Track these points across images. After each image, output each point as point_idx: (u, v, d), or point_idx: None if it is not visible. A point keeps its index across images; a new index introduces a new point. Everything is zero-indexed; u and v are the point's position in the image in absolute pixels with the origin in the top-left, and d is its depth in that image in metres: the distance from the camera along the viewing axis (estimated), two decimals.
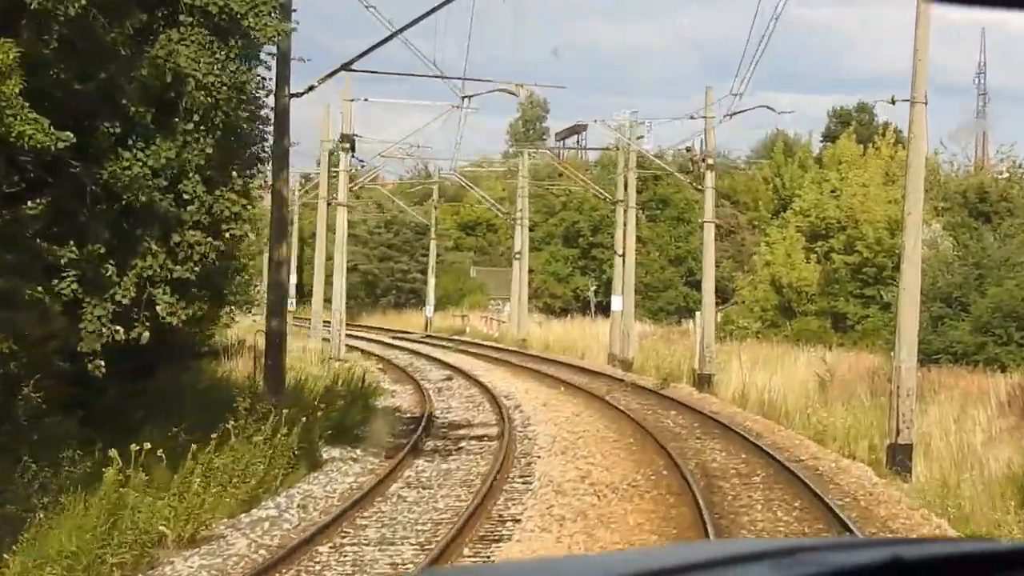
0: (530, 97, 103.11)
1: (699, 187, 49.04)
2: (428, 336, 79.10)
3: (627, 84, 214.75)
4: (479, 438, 31.83)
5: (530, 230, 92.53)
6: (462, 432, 33.05)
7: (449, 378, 48.80)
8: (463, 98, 40.32)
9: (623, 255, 58.94)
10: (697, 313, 49.95)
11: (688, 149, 49.25)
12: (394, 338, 76.26)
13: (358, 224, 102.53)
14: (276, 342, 27.74)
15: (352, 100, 48.44)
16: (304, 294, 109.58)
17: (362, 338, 74.39)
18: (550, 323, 78.08)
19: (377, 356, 59.55)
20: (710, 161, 47.63)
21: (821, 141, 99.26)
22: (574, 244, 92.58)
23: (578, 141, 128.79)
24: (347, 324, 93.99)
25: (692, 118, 48.10)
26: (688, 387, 47.21)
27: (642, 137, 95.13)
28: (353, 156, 50.48)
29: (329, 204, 55.54)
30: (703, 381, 46.64)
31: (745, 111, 53.90)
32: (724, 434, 33.10)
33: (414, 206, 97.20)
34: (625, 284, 58.70)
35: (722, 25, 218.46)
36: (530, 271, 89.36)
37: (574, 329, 73.86)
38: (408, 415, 36.41)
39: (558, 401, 41.47)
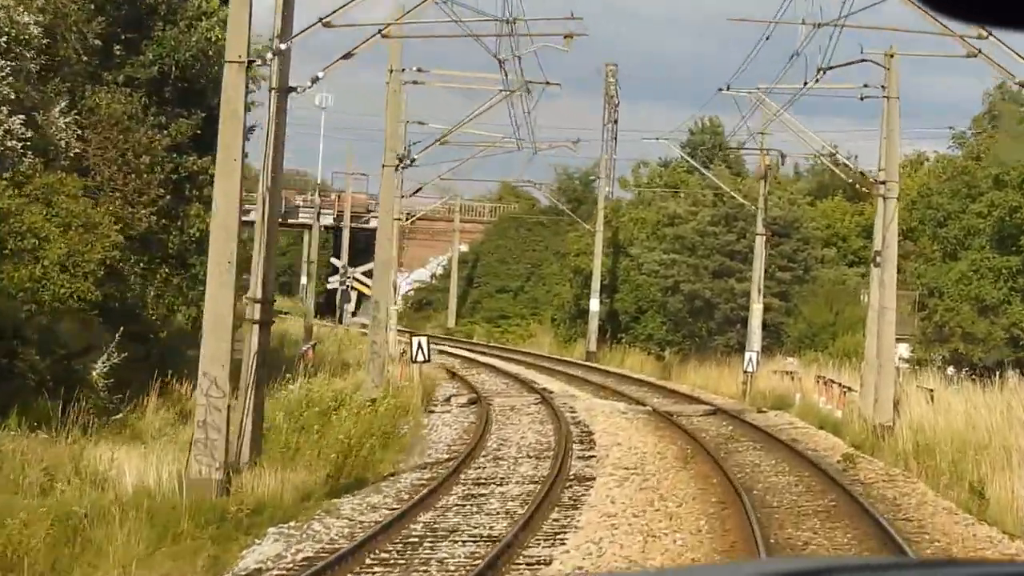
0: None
1: None
2: (719, 411, 43.43)
3: None
4: None
5: (940, 225, 55.25)
6: None
7: None
8: None
9: None
10: None
11: None
12: (659, 420, 41.05)
13: (685, 220, 67.06)
14: None
15: None
16: (618, 326, 74.65)
17: (625, 394, 40.08)
18: (952, 392, 40.67)
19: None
20: None
21: None
22: (1013, 248, 51.46)
23: None
24: (649, 385, 58.65)
25: None
26: None
27: None
28: None
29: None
30: None
31: None
32: None
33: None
34: None
35: None
36: (933, 294, 52.12)
37: (995, 409, 36.79)
38: None
39: None
